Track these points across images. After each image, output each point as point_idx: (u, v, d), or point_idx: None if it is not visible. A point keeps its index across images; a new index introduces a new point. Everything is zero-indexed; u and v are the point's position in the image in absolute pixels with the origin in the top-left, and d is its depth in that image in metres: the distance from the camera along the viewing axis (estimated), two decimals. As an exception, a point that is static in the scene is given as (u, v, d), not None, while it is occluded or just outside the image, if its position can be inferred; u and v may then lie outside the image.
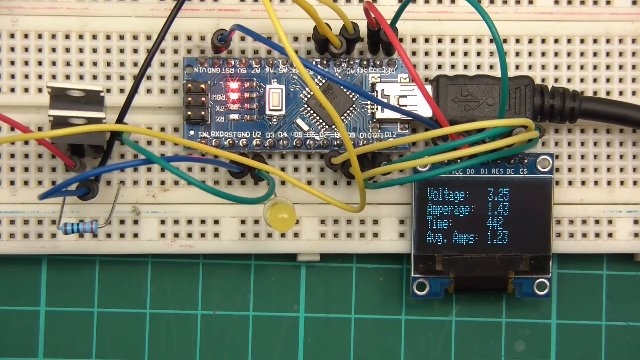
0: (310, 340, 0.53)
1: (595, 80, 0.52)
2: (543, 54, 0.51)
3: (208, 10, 0.51)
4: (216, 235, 0.51)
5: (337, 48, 0.49)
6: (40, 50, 0.50)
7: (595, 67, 0.52)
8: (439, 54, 0.51)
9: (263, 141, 0.50)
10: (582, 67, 0.52)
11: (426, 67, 0.51)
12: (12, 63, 0.50)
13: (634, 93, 0.52)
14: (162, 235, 0.51)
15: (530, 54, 0.52)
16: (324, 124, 0.50)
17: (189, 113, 0.50)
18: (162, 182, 0.51)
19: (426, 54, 0.51)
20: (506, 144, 0.46)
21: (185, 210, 0.51)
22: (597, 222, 0.52)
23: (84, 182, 0.48)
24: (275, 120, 0.50)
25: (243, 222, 0.51)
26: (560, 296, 0.53)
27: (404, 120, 0.50)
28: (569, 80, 0.52)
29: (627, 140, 0.52)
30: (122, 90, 0.51)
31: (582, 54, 0.52)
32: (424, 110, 0.49)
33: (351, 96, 0.50)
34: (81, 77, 0.51)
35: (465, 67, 0.51)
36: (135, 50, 0.51)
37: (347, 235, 0.52)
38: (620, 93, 0.52)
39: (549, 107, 0.50)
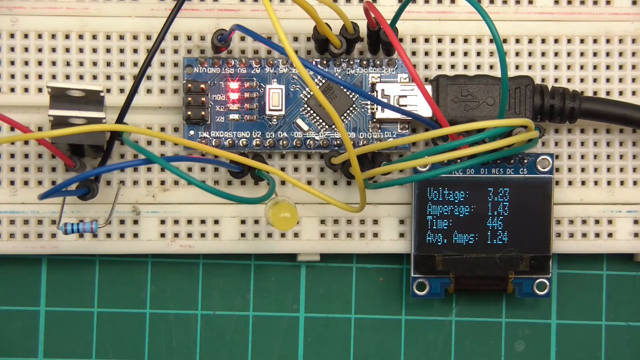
0: (310, 340, 0.53)
1: (595, 80, 0.52)
2: (543, 54, 0.51)
3: (208, 10, 0.51)
4: (216, 235, 0.51)
5: (337, 48, 0.49)
6: (40, 50, 0.50)
7: (595, 67, 0.52)
8: (439, 54, 0.51)
9: (263, 141, 0.50)
10: (582, 67, 0.52)
11: (426, 67, 0.51)
12: (12, 63, 0.50)
13: (634, 93, 0.52)
14: (162, 235, 0.51)
15: (530, 54, 0.52)
16: (324, 124, 0.50)
17: (189, 113, 0.50)
18: (162, 182, 0.51)
19: (426, 54, 0.51)
20: (506, 144, 0.46)
21: (185, 210, 0.51)
22: (597, 222, 0.52)
23: (84, 182, 0.48)
24: (275, 120, 0.50)
25: (243, 222, 0.51)
26: (560, 296, 0.53)
27: (404, 120, 0.50)
28: (569, 80, 0.52)
29: (627, 140, 0.52)
30: (122, 90, 0.51)
31: (582, 54, 0.52)
32: (424, 110, 0.49)
33: (351, 96, 0.50)
34: (81, 77, 0.51)
35: (465, 67, 0.51)
36: (135, 50, 0.51)
37: (347, 235, 0.52)
38: (620, 93, 0.52)
39: (549, 107, 0.50)
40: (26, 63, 0.50)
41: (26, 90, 0.50)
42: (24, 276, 0.52)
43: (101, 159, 0.49)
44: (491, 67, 0.51)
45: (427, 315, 0.53)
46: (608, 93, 0.52)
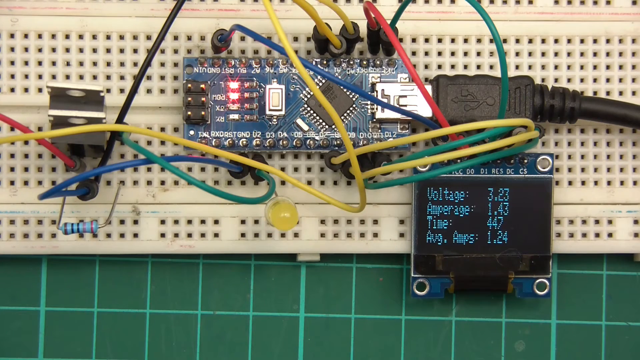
0: (310, 340, 0.53)
1: (595, 80, 0.52)
2: (543, 54, 0.51)
3: (208, 10, 0.51)
4: (216, 235, 0.51)
5: (337, 48, 0.49)
6: (40, 50, 0.50)
7: (595, 67, 0.52)
8: (439, 54, 0.51)
9: (263, 141, 0.50)
10: (582, 67, 0.52)
11: (426, 67, 0.51)
12: (12, 63, 0.50)
13: (634, 93, 0.52)
14: (162, 235, 0.51)
15: (530, 54, 0.52)
16: (324, 124, 0.50)
17: (189, 113, 0.50)
18: (162, 182, 0.51)
19: (426, 54, 0.51)
20: (506, 144, 0.46)
21: (185, 210, 0.51)
22: (597, 222, 0.52)
23: (84, 182, 0.48)
24: (275, 120, 0.50)
25: (243, 222, 0.51)
26: (560, 296, 0.53)
27: (404, 120, 0.50)
28: (569, 80, 0.52)
29: (627, 140, 0.52)
30: (122, 90, 0.51)
31: (582, 54, 0.52)
32: (424, 110, 0.49)
33: (351, 96, 0.50)
34: (81, 77, 0.51)
35: (465, 67, 0.51)
36: (135, 50, 0.51)
37: (347, 235, 0.52)
38: (620, 93, 0.52)
39: (549, 107, 0.50)
40: (26, 63, 0.50)
41: (26, 90, 0.50)
42: (24, 276, 0.52)
43: (101, 159, 0.49)
44: (491, 67, 0.51)
45: (427, 315, 0.53)
46: (608, 93, 0.52)
